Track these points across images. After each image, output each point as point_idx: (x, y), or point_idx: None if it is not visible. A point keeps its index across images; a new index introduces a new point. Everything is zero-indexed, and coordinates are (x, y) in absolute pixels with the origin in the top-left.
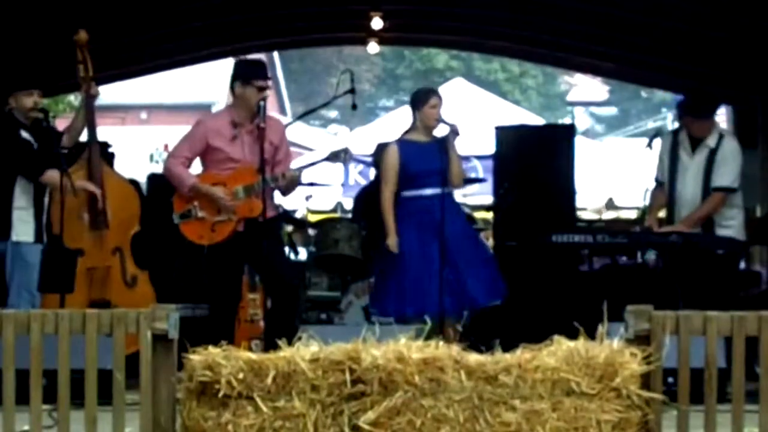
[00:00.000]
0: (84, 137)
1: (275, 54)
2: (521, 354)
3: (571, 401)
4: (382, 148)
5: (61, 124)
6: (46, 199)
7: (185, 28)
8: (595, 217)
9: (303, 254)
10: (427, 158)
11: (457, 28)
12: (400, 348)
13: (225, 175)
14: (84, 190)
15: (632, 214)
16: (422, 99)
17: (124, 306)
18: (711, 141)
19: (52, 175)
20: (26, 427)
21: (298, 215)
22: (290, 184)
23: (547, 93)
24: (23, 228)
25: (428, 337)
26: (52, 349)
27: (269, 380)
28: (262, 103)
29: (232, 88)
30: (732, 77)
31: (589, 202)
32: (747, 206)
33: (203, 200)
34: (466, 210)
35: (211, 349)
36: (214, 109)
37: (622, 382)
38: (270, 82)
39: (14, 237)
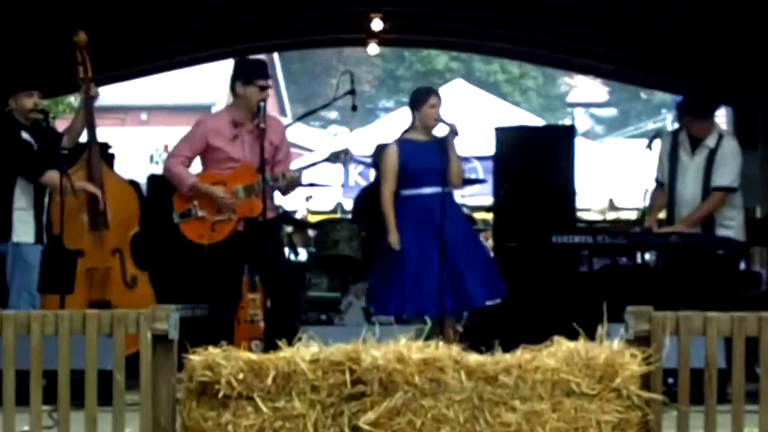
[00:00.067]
0: (84, 138)
1: (275, 55)
2: (521, 354)
3: (571, 402)
4: (381, 148)
5: (61, 125)
6: (46, 200)
7: (185, 29)
8: (599, 218)
9: (303, 255)
10: (426, 157)
11: (457, 30)
12: (400, 348)
13: (225, 175)
14: (84, 191)
15: (632, 215)
16: (421, 99)
17: (124, 307)
18: (711, 141)
19: (52, 176)
20: (26, 428)
21: (298, 216)
22: (290, 184)
23: (547, 94)
24: (23, 229)
25: (428, 338)
26: (52, 350)
27: (269, 381)
28: (262, 103)
29: (233, 87)
30: (732, 78)
31: (592, 203)
32: (747, 207)
33: (203, 200)
34: (466, 211)
35: (211, 349)
36: (214, 110)
37: (622, 383)
38: (270, 81)
39: (14, 238)
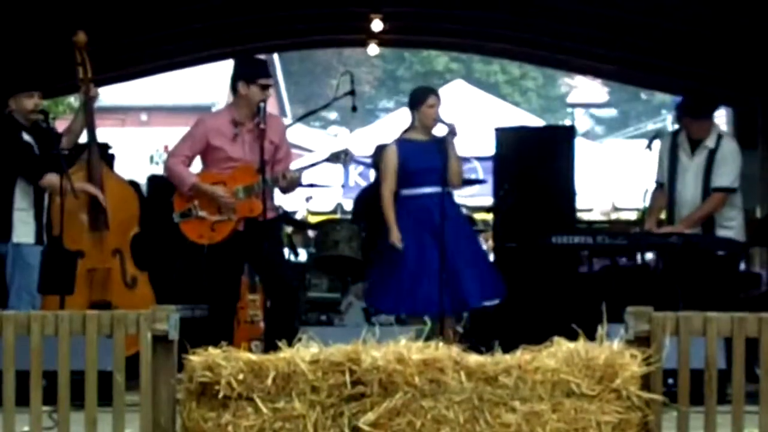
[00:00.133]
0: (84, 139)
1: (275, 56)
2: (521, 355)
3: (571, 402)
4: (381, 149)
5: (60, 126)
6: (47, 201)
7: (185, 29)
8: (602, 219)
9: (303, 255)
10: (426, 156)
11: (457, 30)
12: (400, 349)
13: (225, 175)
14: (84, 192)
15: (632, 216)
16: (420, 98)
17: (124, 307)
18: (710, 142)
19: (51, 179)
20: (26, 428)
21: (298, 216)
22: (291, 184)
23: (547, 95)
24: (24, 229)
25: (428, 338)
26: (52, 351)
27: (269, 381)
28: (262, 104)
29: (234, 87)
30: (732, 79)
31: (594, 205)
32: (747, 207)
33: (203, 199)
34: (467, 212)
35: (211, 350)
36: (214, 110)
37: (622, 384)
38: (272, 81)
39: (15, 238)
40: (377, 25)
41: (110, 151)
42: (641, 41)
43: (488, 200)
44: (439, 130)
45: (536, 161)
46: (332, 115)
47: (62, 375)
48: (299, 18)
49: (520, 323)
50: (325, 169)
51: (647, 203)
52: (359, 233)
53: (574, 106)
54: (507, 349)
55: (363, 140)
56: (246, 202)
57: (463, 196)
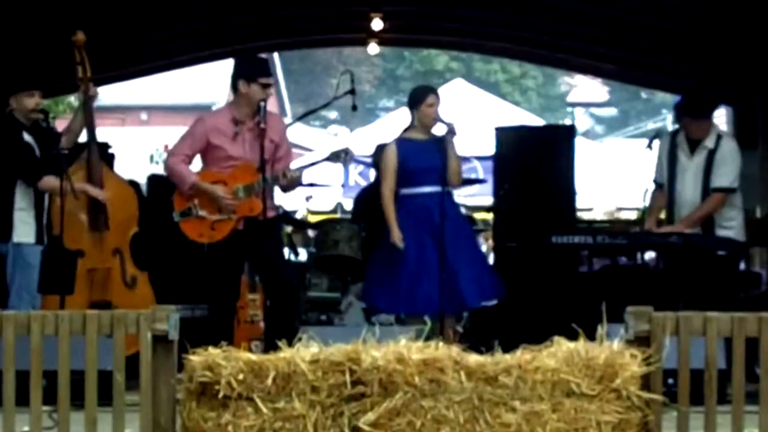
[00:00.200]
0: (83, 138)
1: (275, 55)
2: (521, 355)
3: (571, 402)
4: (381, 148)
5: (60, 125)
6: (47, 201)
7: (185, 28)
8: (606, 219)
9: (303, 255)
10: (425, 156)
11: (457, 30)
12: (400, 349)
13: (225, 174)
14: (84, 193)
15: (632, 215)
16: (420, 98)
17: (124, 307)
18: (709, 142)
19: (49, 182)
20: (26, 428)
21: (298, 216)
22: (291, 183)
23: (547, 94)
24: (24, 229)
25: (428, 338)
26: (52, 350)
27: (269, 381)
28: (262, 103)
29: (234, 85)
30: (732, 78)
31: (595, 205)
32: (747, 207)
33: (203, 199)
34: (467, 211)
35: (211, 350)
36: (213, 109)
37: (622, 383)
38: (272, 80)
39: (15, 238)
40: (377, 24)
41: (110, 151)
42: (641, 41)
43: (488, 200)
44: (439, 130)
45: (536, 161)
46: (332, 114)
47: (62, 375)
48: (299, 17)
49: (520, 323)
50: (325, 168)
51: (647, 203)
52: (359, 233)
53: (574, 105)
54: (507, 349)
55: (363, 139)
56: (246, 201)
57: (463, 196)
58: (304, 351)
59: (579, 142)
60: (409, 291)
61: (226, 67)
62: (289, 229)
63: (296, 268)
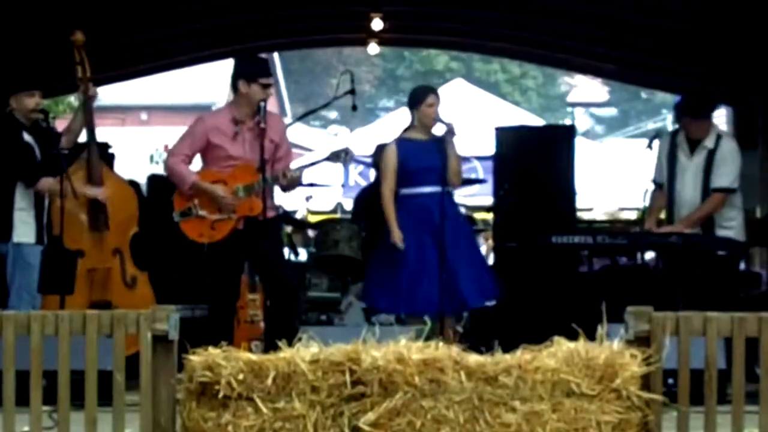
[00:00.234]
0: (83, 138)
1: (275, 55)
2: (521, 355)
3: (571, 402)
4: (381, 148)
5: (60, 125)
6: (47, 201)
7: (185, 29)
8: (609, 219)
9: (303, 255)
10: (425, 156)
11: (457, 30)
12: (400, 349)
13: (225, 174)
14: (85, 195)
15: (632, 215)
16: (419, 98)
17: (124, 307)
18: (709, 142)
19: (47, 182)
20: (26, 428)
21: (298, 216)
22: (291, 183)
23: (547, 94)
24: (24, 229)
25: (428, 338)
26: (52, 350)
27: (269, 381)
28: (262, 103)
29: (234, 85)
30: (732, 78)
31: (596, 204)
32: (747, 207)
33: (203, 198)
34: (467, 211)
35: (211, 349)
36: (213, 109)
37: (622, 383)
38: (272, 80)
39: (15, 238)
40: (377, 24)
41: (110, 151)
42: (641, 41)
43: (488, 200)
44: (439, 130)
45: (536, 161)
46: (332, 114)
47: (62, 375)
48: (299, 17)
49: (520, 323)
50: (325, 168)
51: (647, 203)
52: (359, 233)
53: (574, 105)
54: (507, 349)
55: (363, 139)
56: (246, 201)
57: (463, 196)
58: (304, 351)
59: (579, 142)
60: (409, 291)
61: (226, 67)
62: (289, 229)
63: (296, 268)
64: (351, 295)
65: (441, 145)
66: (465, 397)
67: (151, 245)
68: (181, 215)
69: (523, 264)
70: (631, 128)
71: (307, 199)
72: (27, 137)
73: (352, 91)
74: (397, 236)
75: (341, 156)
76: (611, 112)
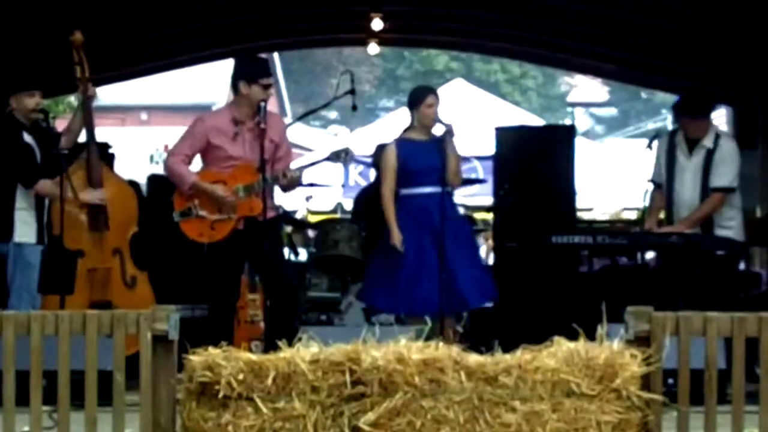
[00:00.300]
0: (83, 138)
1: (275, 55)
2: (521, 355)
3: (571, 402)
4: (381, 148)
5: (60, 125)
6: (47, 200)
7: (185, 29)
8: (613, 219)
9: (303, 255)
10: (425, 156)
11: (457, 30)
12: (400, 349)
13: (225, 174)
14: (86, 201)
15: (632, 215)
16: (419, 98)
17: (124, 307)
18: (708, 141)
19: (45, 185)
20: (26, 428)
21: (298, 216)
22: (291, 183)
23: (547, 94)
24: (25, 229)
25: (428, 338)
26: (52, 350)
27: (269, 381)
28: (262, 103)
29: (235, 86)
30: (732, 78)
31: (596, 204)
32: (747, 207)
33: (203, 198)
34: (467, 211)
35: (211, 349)
36: (213, 110)
37: (622, 383)
38: (272, 80)
39: (16, 238)
40: (377, 24)
41: (110, 151)
42: (641, 41)
43: (488, 200)
44: (439, 130)
45: (536, 161)
46: (332, 114)
47: (62, 375)
48: (299, 17)
49: (520, 323)
50: (326, 168)
51: (647, 203)
52: (359, 233)
53: (574, 105)
54: (507, 349)
55: (363, 139)
56: (246, 201)
57: (463, 196)
58: (304, 351)
59: (579, 142)
60: (407, 291)
61: (226, 67)
62: (289, 229)
63: (296, 268)
64: (351, 295)
65: (441, 146)
66: (465, 397)
67: (151, 245)
68: (181, 215)
69: (523, 264)
70: (631, 128)
71: (307, 199)
72: (27, 137)
73: (352, 91)
74: (397, 238)
75: (341, 156)
76: (611, 112)
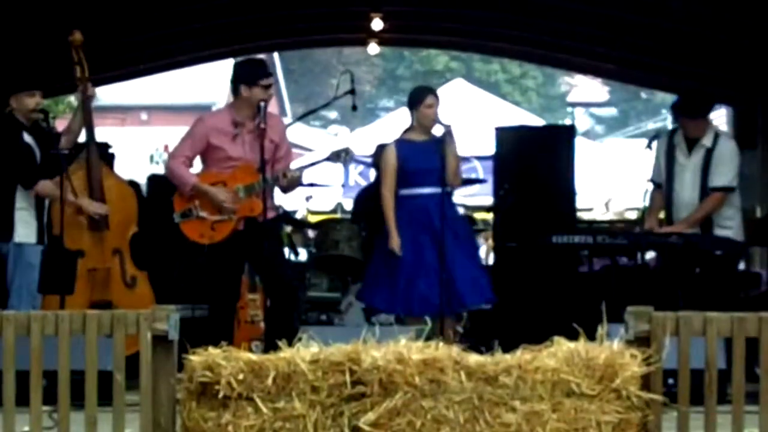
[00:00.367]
0: (83, 138)
1: (275, 55)
2: (521, 355)
3: (572, 402)
4: (382, 148)
5: (60, 125)
6: (47, 200)
7: (185, 29)
8: (617, 219)
9: (303, 255)
10: (424, 157)
11: (457, 29)
12: (400, 349)
13: (226, 175)
14: (86, 210)
15: (632, 215)
16: (418, 98)
17: (124, 307)
18: (707, 141)
19: (45, 186)
20: (26, 428)
21: (298, 216)
22: (291, 183)
23: (547, 94)
24: (25, 229)
25: (428, 338)
26: (52, 350)
27: (269, 381)
28: (262, 104)
29: (235, 90)
30: (732, 78)
31: (598, 205)
32: (746, 207)
33: (204, 199)
34: (467, 211)
35: (211, 349)
36: (213, 110)
37: (622, 383)
38: (272, 79)
39: (16, 238)
40: (377, 24)
41: (110, 151)
42: (641, 41)
43: (488, 200)
44: (439, 130)
45: (536, 161)
46: (332, 114)
47: (62, 375)
48: (299, 17)
49: (520, 323)
50: (326, 168)
51: (647, 203)
52: (359, 233)
53: (574, 105)
54: (507, 349)
55: (363, 139)
56: (246, 201)
57: (463, 196)
58: (304, 351)
59: (579, 142)
60: (405, 291)
61: (226, 67)
62: (289, 229)
63: (296, 268)
64: (351, 295)
65: (440, 146)
66: (465, 397)
67: (151, 245)
68: (181, 216)
69: (523, 264)
70: (631, 128)
71: (307, 199)
72: (27, 137)
73: (352, 91)
74: (395, 243)
75: (341, 156)
76: (611, 112)
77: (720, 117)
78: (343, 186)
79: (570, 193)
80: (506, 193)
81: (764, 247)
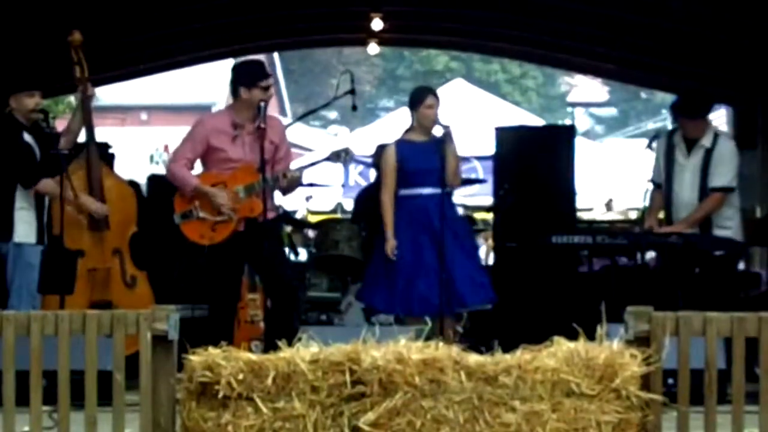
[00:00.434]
0: (83, 138)
1: (275, 55)
2: (521, 355)
3: (571, 402)
4: (382, 149)
5: (60, 125)
6: (47, 200)
7: (185, 29)
8: (620, 218)
9: (303, 255)
10: (424, 157)
11: (457, 29)
12: (400, 349)
13: (226, 176)
14: (86, 208)
15: (632, 215)
16: (419, 99)
17: (124, 307)
18: (706, 141)
19: (47, 185)
20: (26, 428)
21: (298, 216)
22: (291, 183)
23: (547, 94)
24: (25, 229)
25: (428, 338)
26: (52, 350)
27: (269, 381)
28: (262, 104)
29: (235, 92)
30: (732, 79)
31: (598, 205)
32: (746, 207)
33: (204, 200)
34: (466, 211)
35: (211, 349)
36: (214, 110)
37: (622, 383)
38: (272, 80)
39: (16, 238)
40: (377, 24)
41: (110, 151)
42: (641, 41)
43: (488, 200)
44: (439, 131)
45: (536, 161)
46: (332, 114)
47: (62, 375)
48: (299, 17)
49: (520, 323)
50: (326, 168)
51: (647, 203)
52: (359, 233)
53: (574, 105)
54: (507, 349)
55: (363, 139)
56: (246, 202)
57: (463, 196)
58: (304, 351)
59: (579, 142)
60: (405, 291)
61: (226, 67)
62: (289, 229)
63: (296, 268)
64: (351, 295)
65: (440, 147)
66: (465, 397)
67: (151, 245)
68: (182, 217)
69: (523, 264)
70: (631, 128)
71: (307, 199)
72: (27, 137)
73: (352, 91)
74: (390, 246)
75: (341, 156)
76: (611, 112)
77: (720, 117)
78: (343, 186)
79: (570, 193)
80: (506, 193)
81: (764, 247)
